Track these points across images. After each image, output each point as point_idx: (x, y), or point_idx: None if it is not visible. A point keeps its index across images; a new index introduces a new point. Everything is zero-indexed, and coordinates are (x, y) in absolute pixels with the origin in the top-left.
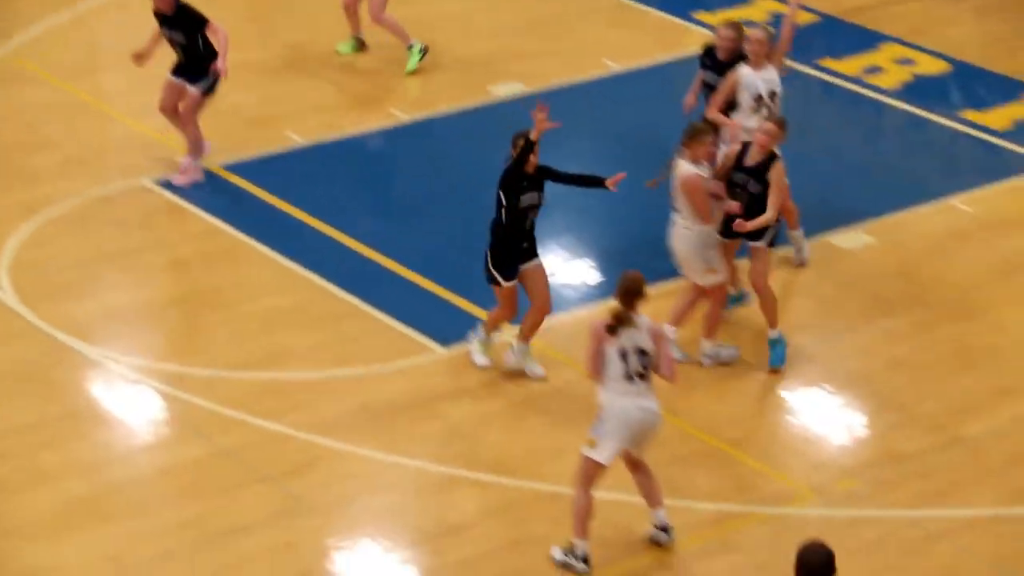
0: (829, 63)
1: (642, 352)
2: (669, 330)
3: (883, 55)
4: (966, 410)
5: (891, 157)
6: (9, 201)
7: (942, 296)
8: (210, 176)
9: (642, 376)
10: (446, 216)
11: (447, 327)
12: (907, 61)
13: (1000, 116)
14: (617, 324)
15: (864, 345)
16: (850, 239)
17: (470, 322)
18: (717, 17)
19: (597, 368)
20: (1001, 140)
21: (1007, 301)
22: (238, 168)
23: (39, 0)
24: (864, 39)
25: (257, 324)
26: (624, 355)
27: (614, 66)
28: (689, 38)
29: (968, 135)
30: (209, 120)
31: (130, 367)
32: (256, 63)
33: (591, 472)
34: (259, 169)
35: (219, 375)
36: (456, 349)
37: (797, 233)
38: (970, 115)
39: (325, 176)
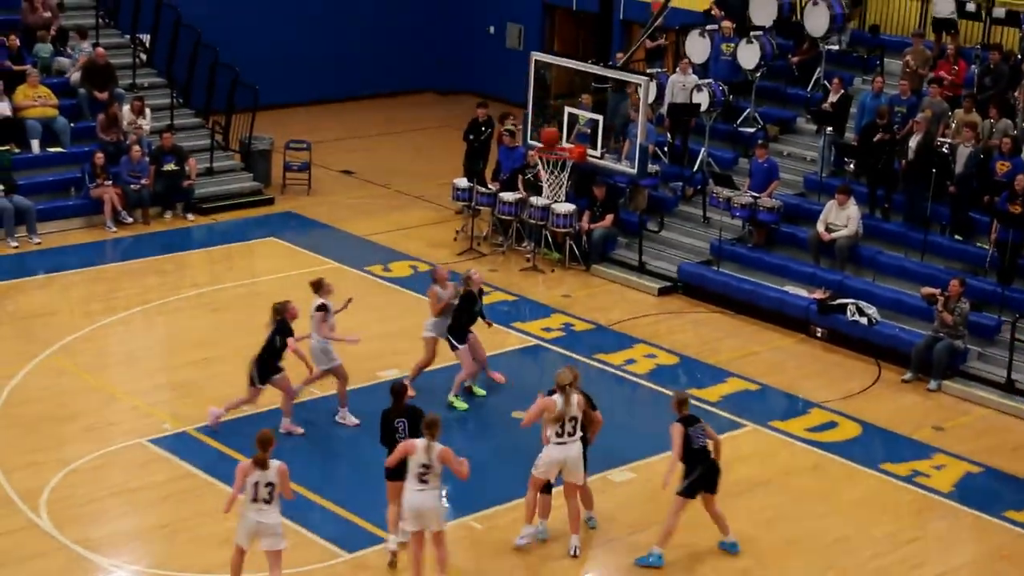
0: (600, 356)
1: (269, 484)
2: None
3: (635, 352)
4: None
5: (645, 419)
6: (46, 458)
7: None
8: (187, 437)
9: (268, 500)
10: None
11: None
12: (651, 355)
13: (713, 392)
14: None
15: (632, 545)
16: (618, 475)
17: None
18: (531, 325)
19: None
20: (715, 408)
21: (745, 519)
22: (206, 431)
23: (67, 322)
24: (623, 341)
25: (219, 538)
26: (256, 485)
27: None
28: (511, 340)
29: (692, 404)
30: (186, 399)
31: (132, 573)
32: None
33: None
34: (223, 431)
35: None
36: (358, 554)
37: None
38: (693, 391)
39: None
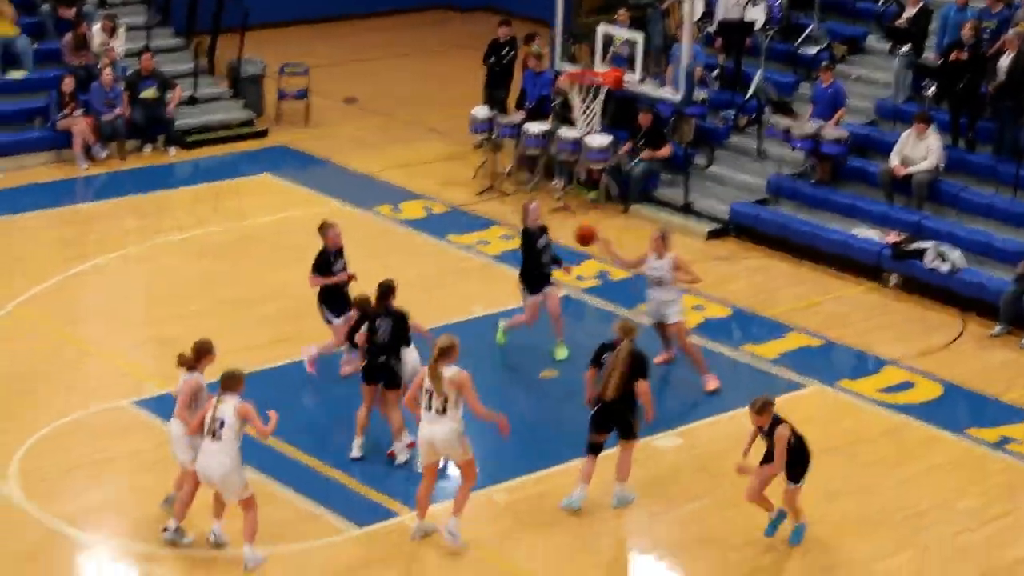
0: (643, 308)
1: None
2: None
3: (682, 303)
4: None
5: (693, 379)
6: (16, 423)
7: (732, 483)
8: (172, 398)
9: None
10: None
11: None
12: (699, 307)
13: (770, 348)
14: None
15: (678, 520)
16: (665, 440)
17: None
18: (563, 273)
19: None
20: (773, 366)
21: (806, 492)
22: None
23: (35, 270)
24: None
25: (210, 510)
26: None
27: (478, 311)
28: None
29: (747, 363)
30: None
31: (113, 548)
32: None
33: None
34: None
35: (185, 553)
36: (368, 529)
37: None
38: (748, 347)
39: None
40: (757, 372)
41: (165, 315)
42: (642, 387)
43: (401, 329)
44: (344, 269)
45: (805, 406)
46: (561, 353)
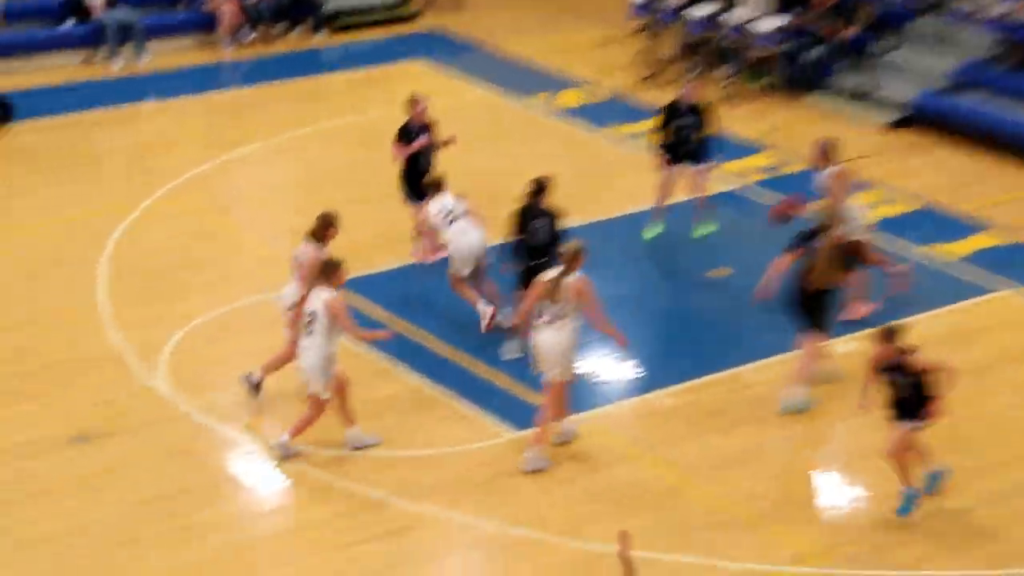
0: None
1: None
2: None
3: (860, 198)
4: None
5: (874, 278)
6: (164, 317)
7: None
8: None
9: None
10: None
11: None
12: (879, 203)
13: (958, 248)
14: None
15: (851, 430)
16: (845, 344)
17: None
18: (732, 165)
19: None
20: (961, 267)
21: (973, 396)
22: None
23: (183, 157)
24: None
25: (374, 410)
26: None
27: (636, 206)
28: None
29: (932, 264)
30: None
31: (264, 446)
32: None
33: None
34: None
35: (336, 454)
36: (526, 432)
37: None
38: (935, 247)
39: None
40: (942, 274)
41: (318, 205)
42: (853, 278)
43: (555, 225)
44: None
45: (995, 310)
46: (701, 230)
